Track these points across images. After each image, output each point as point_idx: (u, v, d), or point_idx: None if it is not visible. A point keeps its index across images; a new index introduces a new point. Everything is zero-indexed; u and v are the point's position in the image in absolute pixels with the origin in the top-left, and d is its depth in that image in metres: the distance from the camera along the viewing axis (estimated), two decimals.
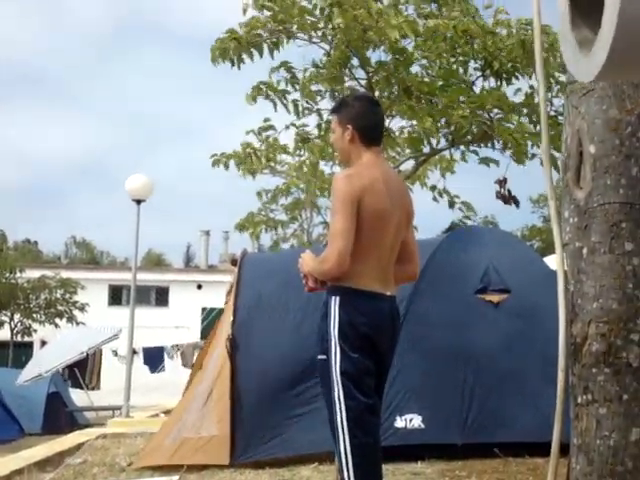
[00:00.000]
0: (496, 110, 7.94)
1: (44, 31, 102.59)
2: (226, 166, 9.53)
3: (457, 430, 7.66)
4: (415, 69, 8.31)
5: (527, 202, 40.14)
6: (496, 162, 7.90)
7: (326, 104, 8.71)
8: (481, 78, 8.37)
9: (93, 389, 22.45)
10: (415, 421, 7.58)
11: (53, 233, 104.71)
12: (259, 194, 13.80)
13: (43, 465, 8.62)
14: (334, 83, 7.92)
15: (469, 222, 10.13)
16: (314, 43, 7.93)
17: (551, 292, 3.18)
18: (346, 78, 8.09)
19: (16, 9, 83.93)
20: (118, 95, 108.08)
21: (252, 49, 7.76)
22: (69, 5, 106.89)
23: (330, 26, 7.57)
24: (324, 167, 12.39)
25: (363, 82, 7.98)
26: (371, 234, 4.02)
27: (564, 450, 3.08)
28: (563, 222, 3.10)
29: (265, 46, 7.81)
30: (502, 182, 7.53)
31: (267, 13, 7.82)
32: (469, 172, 9.45)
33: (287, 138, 9.93)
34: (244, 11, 7.80)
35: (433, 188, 9.55)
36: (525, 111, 8.28)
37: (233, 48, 7.63)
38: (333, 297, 4.03)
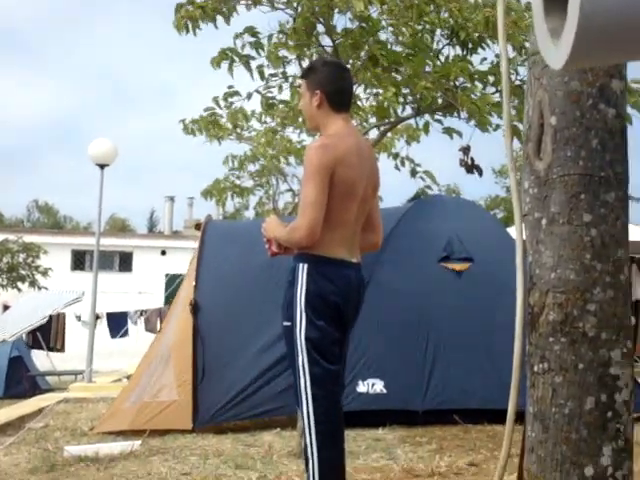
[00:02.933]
0: (461, 79, 7.93)
1: None
2: (193, 133, 9.48)
3: (418, 397, 7.74)
4: (383, 37, 8.28)
5: (490, 173, 40.30)
6: (459, 133, 7.90)
7: (293, 69, 8.69)
8: (448, 47, 8.35)
9: (59, 351, 22.36)
10: (377, 386, 7.66)
11: (14, 197, 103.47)
12: (225, 161, 13.74)
13: (4, 429, 8.63)
14: (299, 50, 7.86)
15: (431, 192, 10.14)
16: (279, 9, 7.86)
17: (513, 261, 3.21)
18: (312, 45, 8.04)
19: None
20: (86, 58, 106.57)
21: (217, 15, 7.69)
22: None
23: None
24: (291, 134, 12.36)
25: (329, 49, 7.93)
26: (340, 204, 4.03)
27: (520, 418, 3.12)
28: (523, 193, 3.12)
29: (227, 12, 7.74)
30: (466, 150, 7.53)
31: None
32: (435, 140, 9.45)
33: (253, 105, 9.90)
34: None
35: (395, 156, 9.55)
36: (492, 80, 8.28)
37: (198, 16, 7.56)
38: (301, 264, 4.03)
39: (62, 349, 22.47)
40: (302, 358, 3.97)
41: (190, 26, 7.78)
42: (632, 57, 2.69)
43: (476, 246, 8.67)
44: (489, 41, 8.01)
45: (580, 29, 2.06)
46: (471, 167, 7.28)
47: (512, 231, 9.86)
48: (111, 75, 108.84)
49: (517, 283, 3.02)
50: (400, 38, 8.18)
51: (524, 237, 3.12)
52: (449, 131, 8.06)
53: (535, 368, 2.99)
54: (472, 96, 7.62)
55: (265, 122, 10.84)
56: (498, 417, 7.18)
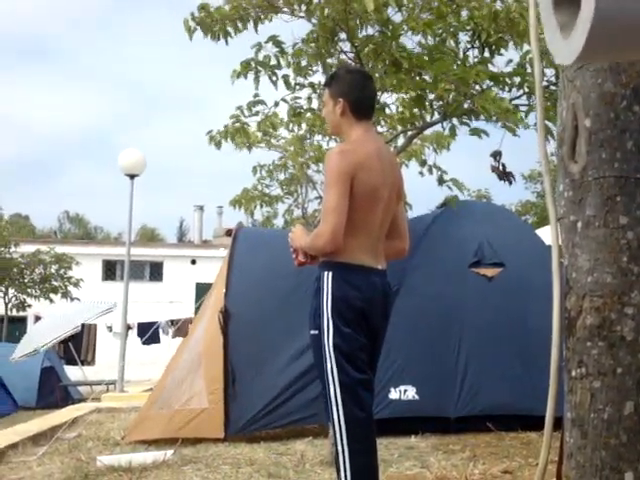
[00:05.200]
0: (486, 83, 7.89)
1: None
2: (218, 144, 9.47)
3: (451, 403, 7.71)
4: (409, 42, 8.26)
5: (520, 178, 40.08)
6: (486, 133, 7.84)
7: (319, 77, 8.68)
8: (472, 50, 8.31)
9: (89, 364, 22.46)
10: (409, 392, 7.63)
11: (45, 207, 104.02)
12: (254, 169, 13.73)
13: (37, 439, 8.65)
14: (320, 58, 7.85)
15: (461, 197, 10.08)
16: (300, 17, 7.85)
17: (544, 266, 3.18)
18: (335, 52, 8.02)
19: None
20: (117, 66, 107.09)
21: (239, 23, 7.70)
22: None
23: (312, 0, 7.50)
24: (321, 142, 12.35)
25: (351, 56, 7.91)
26: (363, 210, 4.02)
27: (557, 424, 3.09)
28: (557, 196, 3.09)
29: (251, 21, 7.75)
30: (497, 155, 7.47)
31: None
32: (464, 145, 9.40)
33: (281, 114, 9.88)
34: None
35: (423, 163, 9.50)
36: (517, 81, 8.23)
37: (220, 23, 7.58)
38: (325, 272, 4.02)
39: (92, 362, 22.56)
40: (330, 366, 3.95)
41: (220, 34, 7.81)
42: None
43: (507, 251, 8.63)
44: (511, 42, 7.97)
45: (595, 24, 2.03)
46: (503, 174, 7.22)
47: (543, 233, 9.84)
48: (141, 84, 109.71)
49: (553, 287, 2.98)
50: (422, 41, 8.15)
51: (559, 241, 3.08)
52: (476, 132, 7.99)
53: (573, 373, 2.95)
54: (489, 100, 7.56)
55: (293, 130, 10.82)
56: (531, 424, 7.16)
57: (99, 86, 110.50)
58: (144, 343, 22.93)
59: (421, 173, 9.41)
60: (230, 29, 7.85)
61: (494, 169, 7.27)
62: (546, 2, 2.35)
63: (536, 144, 3.20)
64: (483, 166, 8.03)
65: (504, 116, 7.54)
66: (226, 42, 7.85)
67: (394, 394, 7.57)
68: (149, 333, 22.80)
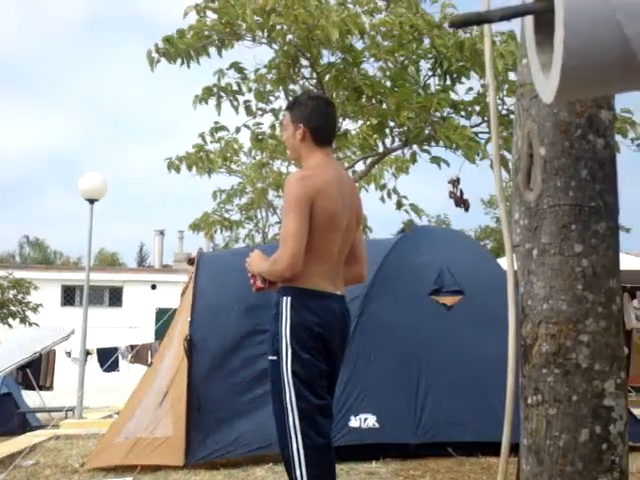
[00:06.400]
0: (447, 110, 7.96)
1: (12, 20, 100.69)
2: (177, 170, 9.46)
3: (411, 430, 7.69)
4: (369, 68, 8.31)
5: (479, 203, 40.28)
6: (446, 162, 7.92)
7: (280, 103, 8.71)
8: (433, 77, 8.39)
9: (47, 389, 22.20)
10: (370, 420, 7.60)
11: (5, 231, 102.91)
12: (214, 194, 13.73)
13: None
14: (282, 84, 7.89)
15: (421, 222, 10.14)
16: (262, 44, 7.90)
17: (504, 293, 3.20)
18: (297, 78, 8.06)
19: None
20: (78, 91, 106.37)
21: (199, 51, 7.73)
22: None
23: (275, 27, 7.55)
24: (281, 167, 12.39)
25: (313, 82, 7.96)
26: (322, 236, 4.03)
27: (515, 450, 3.10)
28: (513, 224, 3.12)
29: (214, 47, 7.78)
30: (455, 182, 7.54)
31: (212, 16, 7.79)
32: (424, 171, 9.49)
33: (242, 139, 9.92)
34: (185, 14, 7.76)
35: (382, 187, 9.55)
36: (478, 109, 8.31)
37: (182, 50, 7.61)
38: (284, 297, 4.03)
39: (51, 387, 22.30)
40: (289, 392, 3.94)
41: (184, 58, 7.82)
42: (616, 91, 2.74)
43: (467, 278, 8.66)
44: (472, 72, 8.05)
45: (565, 65, 2.10)
46: (460, 200, 7.28)
47: (503, 262, 9.90)
48: (102, 109, 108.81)
49: (509, 314, 3.01)
50: (386, 71, 8.21)
51: (515, 268, 3.11)
52: (436, 160, 8.08)
53: (529, 400, 2.97)
54: (452, 129, 7.63)
55: (254, 157, 10.86)
56: (492, 449, 7.17)
57: (60, 111, 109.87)
58: (105, 371, 22.72)
59: (382, 199, 9.47)
60: (193, 55, 7.88)
61: (451, 195, 7.33)
62: (530, 43, 2.41)
63: (492, 172, 3.24)
64: (443, 191, 8.11)
65: (466, 145, 7.62)
66: (188, 66, 7.87)
67: (354, 422, 7.55)
68: (109, 361, 22.60)
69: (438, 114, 8.04)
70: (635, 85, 2.36)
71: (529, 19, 2.56)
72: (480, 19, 2.52)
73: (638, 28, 2.08)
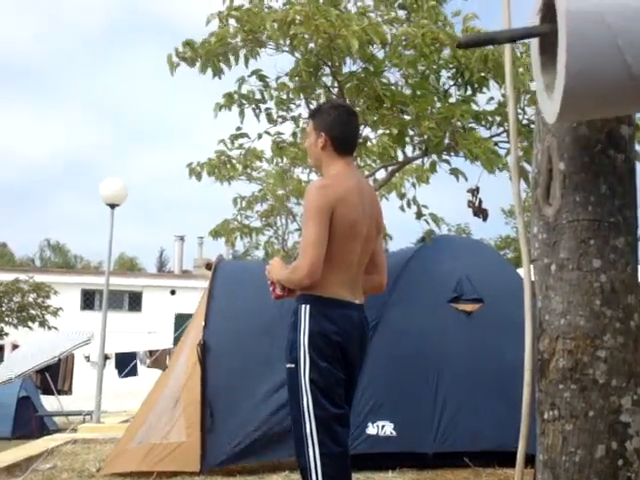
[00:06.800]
0: (467, 120, 7.95)
1: (31, 26, 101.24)
2: (198, 177, 9.49)
3: (429, 439, 7.68)
4: (391, 78, 8.32)
5: (500, 213, 40.11)
6: (464, 176, 7.91)
7: (301, 111, 8.73)
8: (454, 87, 8.39)
9: (66, 393, 22.30)
10: (387, 428, 7.59)
11: (25, 235, 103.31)
12: (235, 201, 13.74)
13: (12, 470, 8.58)
14: (303, 92, 7.91)
15: (440, 232, 10.12)
16: (284, 52, 7.92)
17: (523, 304, 3.20)
18: (318, 87, 8.08)
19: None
20: (101, 95, 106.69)
21: (230, 56, 7.76)
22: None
23: (296, 36, 7.56)
24: (301, 174, 12.40)
25: (335, 91, 7.97)
26: (342, 244, 4.04)
27: (532, 462, 3.09)
28: (532, 238, 3.12)
29: (242, 55, 7.80)
30: (474, 191, 7.52)
31: (234, 23, 7.82)
32: (446, 179, 9.47)
33: (263, 145, 9.94)
34: (207, 22, 7.79)
35: (402, 196, 9.55)
36: (498, 119, 8.30)
37: (204, 58, 7.63)
38: (303, 305, 4.04)
39: (69, 391, 22.40)
40: (306, 401, 3.95)
41: (211, 68, 7.84)
42: (617, 112, 2.75)
43: (486, 286, 8.64)
44: (493, 81, 8.04)
45: (567, 88, 2.11)
46: (479, 210, 7.26)
47: (522, 272, 9.86)
48: (124, 113, 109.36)
49: (526, 329, 3.01)
50: (407, 78, 8.21)
51: (533, 281, 3.11)
52: (455, 172, 8.07)
53: (545, 415, 2.96)
54: (472, 141, 7.62)
55: (276, 164, 10.86)
56: (509, 460, 7.12)
57: (84, 116, 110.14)
58: (122, 377, 22.81)
59: (402, 208, 9.46)
60: (223, 65, 7.90)
61: (470, 204, 7.31)
62: (535, 63, 2.43)
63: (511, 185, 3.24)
64: (463, 201, 8.09)
65: (487, 159, 7.61)
66: (219, 77, 7.90)
67: (372, 429, 7.54)
68: (128, 368, 22.68)
69: (459, 124, 8.03)
70: (635, 108, 2.38)
71: (535, 40, 2.58)
72: (487, 41, 2.54)
73: (638, 54, 2.10)
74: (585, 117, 2.81)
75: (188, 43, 7.85)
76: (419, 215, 9.03)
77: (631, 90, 2.15)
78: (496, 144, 8.23)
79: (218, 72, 7.82)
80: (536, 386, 3.03)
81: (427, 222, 9.12)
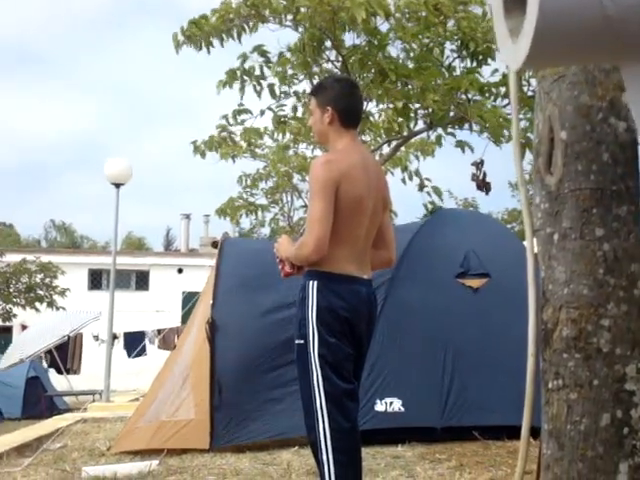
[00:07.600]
0: (472, 92, 7.92)
1: (39, 8, 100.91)
2: (202, 155, 9.48)
3: (437, 413, 7.70)
4: (393, 51, 8.29)
5: (506, 186, 39.92)
6: (470, 147, 7.89)
7: (304, 86, 8.71)
8: (458, 59, 8.35)
9: (75, 373, 22.39)
10: (395, 404, 7.61)
11: (30, 216, 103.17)
12: (240, 179, 13.74)
13: (22, 450, 8.63)
14: (306, 67, 7.88)
15: (444, 206, 10.11)
16: (287, 26, 7.89)
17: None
18: (321, 61, 8.05)
19: None
20: (104, 74, 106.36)
21: (223, 34, 7.73)
22: None
23: (300, 10, 7.52)
24: (305, 150, 12.38)
25: (338, 65, 7.94)
26: (348, 219, 4.04)
27: (537, 434, 3.10)
28: (534, 208, 3.10)
29: (235, 31, 7.77)
30: (479, 164, 7.50)
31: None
32: (453, 153, 9.45)
33: (266, 123, 9.90)
34: None
35: (404, 169, 9.53)
36: (503, 91, 8.27)
37: (204, 34, 7.61)
38: (311, 281, 4.05)
39: (78, 371, 22.49)
40: (316, 376, 3.96)
41: (203, 43, 7.82)
42: (589, 60, 2.71)
43: (493, 261, 8.63)
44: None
45: (538, 28, 2.07)
46: (481, 183, 7.24)
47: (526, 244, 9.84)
48: (129, 92, 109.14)
49: (529, 299, 3.00)
50: (410, 53, 8.18)
51: (536, 252, 3.10)
52: (461, 144, 8.05)
53: (549, 385, 2.96)
54: (483, 109, 7.60)
55: (277, 140, 10.85)
56: (518, 433, 7.13)
57: (87, 95, 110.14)
58: (132, 357, 22.91)
59: (403, 181, 9.45)
60: (216, 40, 7.89)
61: (474, 177, 7.29)
62: (497, 8, 2.39)
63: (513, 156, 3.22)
64: (470, 175, 8.07)
65: (499, 125, 7.59)
66: (208, 52, 7.88)
67: (380, 406, 7.56)
68: (138, 348, 22.77)
69: (464, 97, 8.01)
70: (606, 56, 2.34)
71: None
72: None
73: None
74: (552, 64, 2.77)
75: (194, 23, 7.83)
76: (421, 187, 9.02)
77: (604, 34, 2.10)
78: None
79: (213, 47, 7.80)
80: (540, 356, 3.03)
81: (429, 194, 9.11)
